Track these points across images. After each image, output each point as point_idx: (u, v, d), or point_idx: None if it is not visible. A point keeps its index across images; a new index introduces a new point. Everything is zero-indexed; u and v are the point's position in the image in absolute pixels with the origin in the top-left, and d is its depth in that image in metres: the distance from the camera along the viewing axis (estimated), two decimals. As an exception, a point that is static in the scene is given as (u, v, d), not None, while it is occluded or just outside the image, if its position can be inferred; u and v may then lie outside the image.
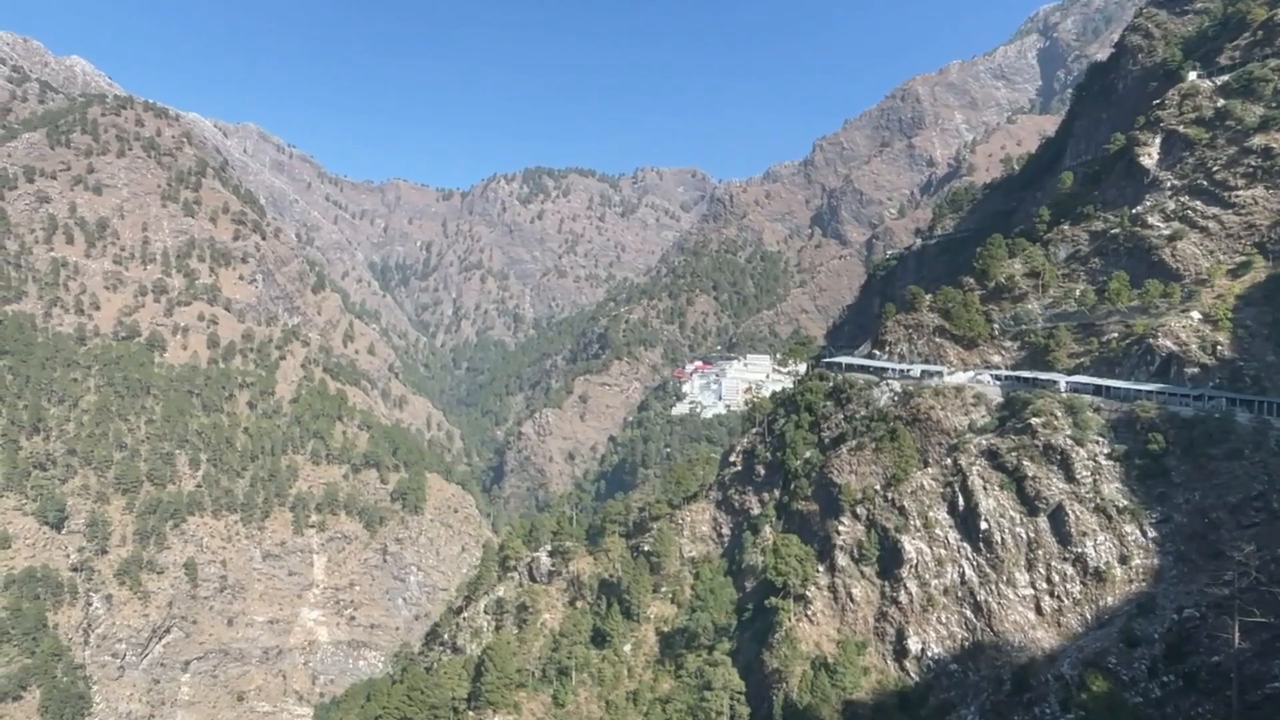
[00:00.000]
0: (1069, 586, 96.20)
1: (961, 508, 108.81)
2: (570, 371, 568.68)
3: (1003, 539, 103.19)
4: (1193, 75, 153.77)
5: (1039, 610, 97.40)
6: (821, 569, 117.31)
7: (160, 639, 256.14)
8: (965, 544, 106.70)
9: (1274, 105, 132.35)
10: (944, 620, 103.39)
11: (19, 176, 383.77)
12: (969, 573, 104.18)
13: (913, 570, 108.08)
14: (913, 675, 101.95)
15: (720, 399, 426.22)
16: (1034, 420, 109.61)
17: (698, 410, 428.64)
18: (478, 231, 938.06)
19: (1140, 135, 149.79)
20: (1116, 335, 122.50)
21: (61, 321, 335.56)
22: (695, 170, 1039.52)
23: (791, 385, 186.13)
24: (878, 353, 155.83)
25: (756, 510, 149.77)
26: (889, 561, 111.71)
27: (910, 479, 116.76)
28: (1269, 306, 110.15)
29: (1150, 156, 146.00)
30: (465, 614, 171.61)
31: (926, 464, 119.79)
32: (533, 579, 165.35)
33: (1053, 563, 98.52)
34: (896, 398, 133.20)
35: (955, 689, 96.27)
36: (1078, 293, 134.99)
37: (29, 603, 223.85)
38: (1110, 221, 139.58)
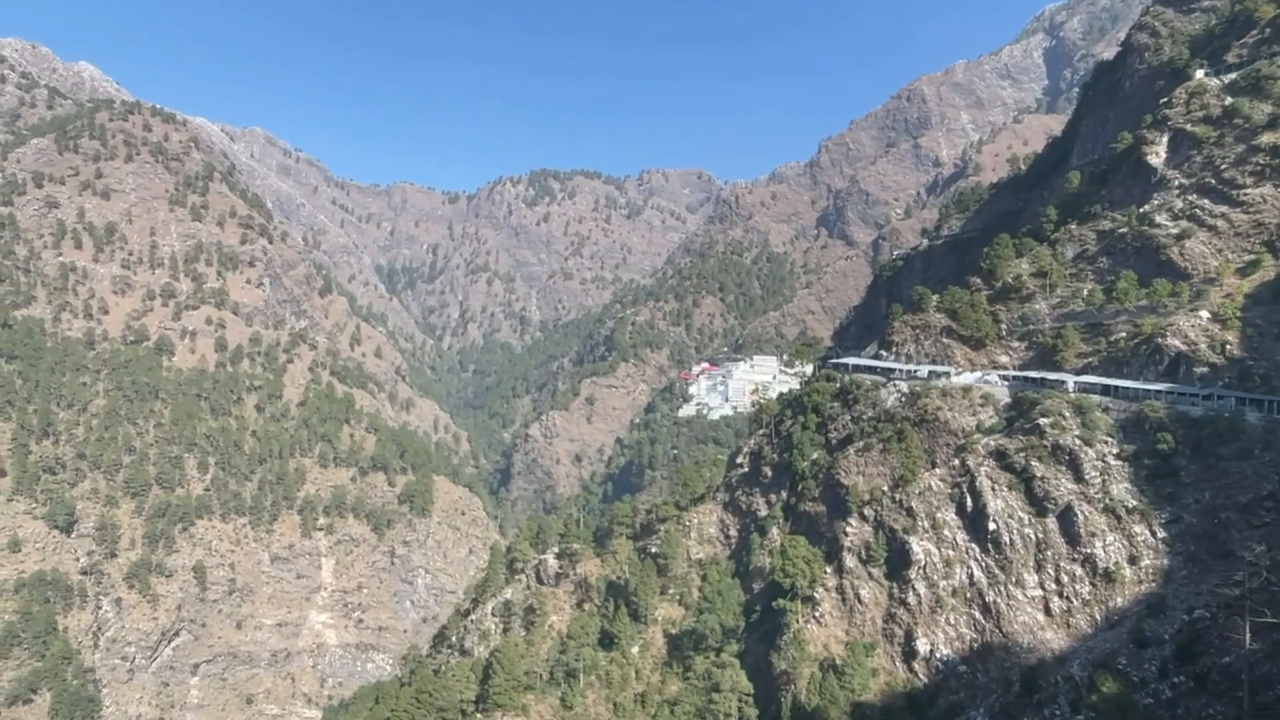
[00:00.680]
0: (1078, 587, 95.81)
1: (970, 508, 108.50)
2: (577, 374, 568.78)
3: (1011, 540, 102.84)
4: (1200, 73, 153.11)
5: (1048, 611, 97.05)
6: (829, 570, 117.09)
7: (169, 642, 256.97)
8: (974, 545, 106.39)
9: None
10: (953, 621, 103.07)
11: (28, 182, 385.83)
12: (977, 574, 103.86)
13: (921, 571, 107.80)
14: (921, 677, 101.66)
15: (727, 400, 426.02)
16: (1042, 420, 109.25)
17: (704, 412, 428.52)
18: (484, 234, 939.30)
19: (1147, 134, 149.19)
20: (1125, 335, 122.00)
21: (70, 326, 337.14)
22: (701, 172, 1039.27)
23: (798, 386, 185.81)
24: (884, 353, 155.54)
25: (764, 512, 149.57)
26: (897, 563, 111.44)
27: (918, 480, 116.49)
28: (1278, 305, 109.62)
29: (1158, 155, 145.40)
30: (473, 616, 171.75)
31: (934, 465, 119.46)
32: (540, 581, 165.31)
33: (1062, 563, 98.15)
34: (904, 398, 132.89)
35: (964, 690, 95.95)
36: (1085, 292, 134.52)
37: (39, 606, 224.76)
38: (1118, 221, 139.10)
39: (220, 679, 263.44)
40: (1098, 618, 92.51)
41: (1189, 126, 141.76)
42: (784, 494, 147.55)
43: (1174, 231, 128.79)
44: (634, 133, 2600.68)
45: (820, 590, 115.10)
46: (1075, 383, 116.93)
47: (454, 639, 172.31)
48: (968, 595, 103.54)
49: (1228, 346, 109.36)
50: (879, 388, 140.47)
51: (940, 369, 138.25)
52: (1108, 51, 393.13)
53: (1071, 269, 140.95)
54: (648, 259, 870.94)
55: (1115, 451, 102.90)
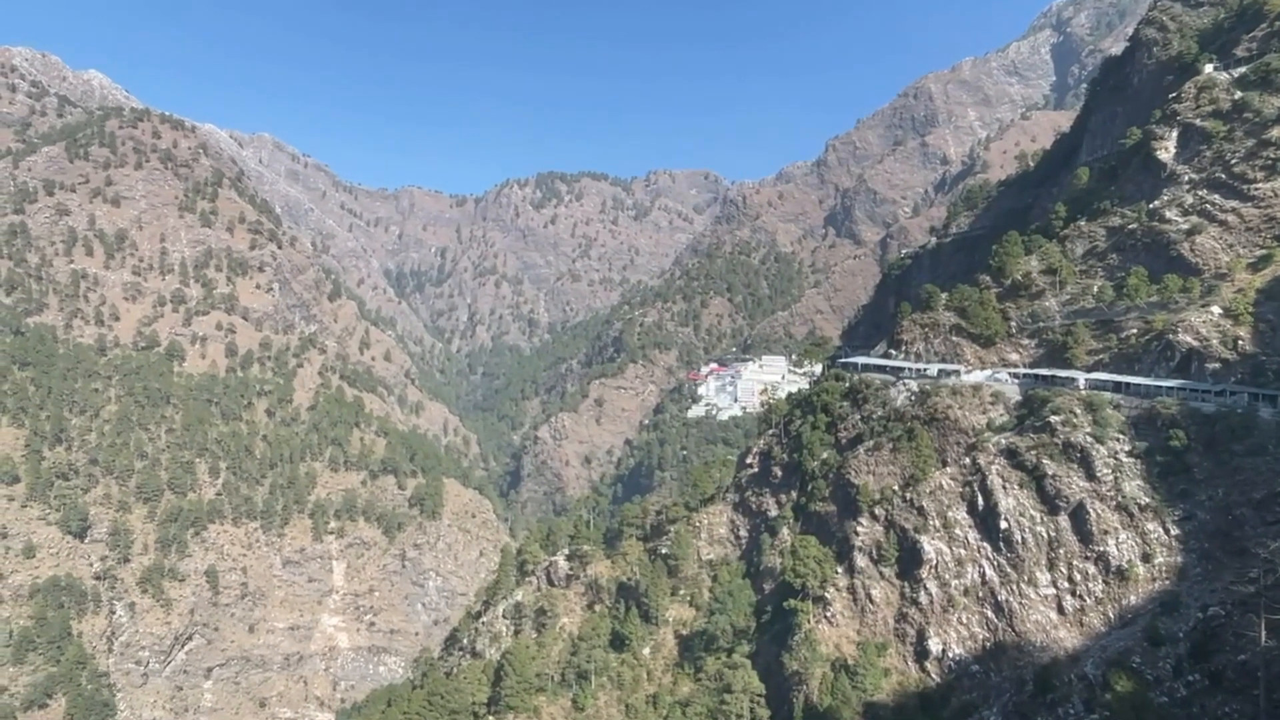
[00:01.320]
0: (1091, 585, 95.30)
1: (981, 507, 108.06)
2: (585, 375, 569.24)
3: (1023, 538, 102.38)
4: (1209, 68, 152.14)
5: (1061, 610, 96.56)
6: (840, 570, 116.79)
7: (183, 646, 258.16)
8: (985, 544, 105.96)
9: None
10: (965, 621, 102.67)
11: (39, 190, 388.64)
12: (989, 572, 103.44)
13: (932, 571, 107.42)
14: (934, 676, 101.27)
15: (736, 401, 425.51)
16: (1053, 418, 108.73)
17: (713, 412, 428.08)
18: (491, 237, 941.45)
19: (1157, 129, 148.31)
20: (1135, 331, 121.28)
21: (82, 333, 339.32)
22: (708, 172, 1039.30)
23: (807, 386, 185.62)
24: (894, 352, 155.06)
25: (774, 512, 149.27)
26: (908, 562, 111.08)
27: (929, 479, 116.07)
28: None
29: (1167, 150, 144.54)
30: (484, 619, 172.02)
31: (945, 464, 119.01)
32: (551, 583, 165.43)
33: (1074, 562, 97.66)
34: (913, 397, 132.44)
35: (977, 690, 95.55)
36: (1095, 289, 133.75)
37: (54, 611, 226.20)
38: (1128, 217, 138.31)
39: (233, 682, 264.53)
40: (1111, 616, 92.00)
41: (1198, 121, 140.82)
42: (794, 494, 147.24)
43: (1184, 227, 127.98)
44: (640, 134, 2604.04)
45: (831, 590, 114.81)
46: (1086, 380, 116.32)
47: (465, 641, 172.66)
48: (980, 594, 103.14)
49: (1240, 342, 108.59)
50: (888, 387, 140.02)
51: (950, 367, 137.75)
52: (1116, 47, 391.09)
53: (1081, 266, 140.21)
54: (655, 260, 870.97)
55: (1127, 449, 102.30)
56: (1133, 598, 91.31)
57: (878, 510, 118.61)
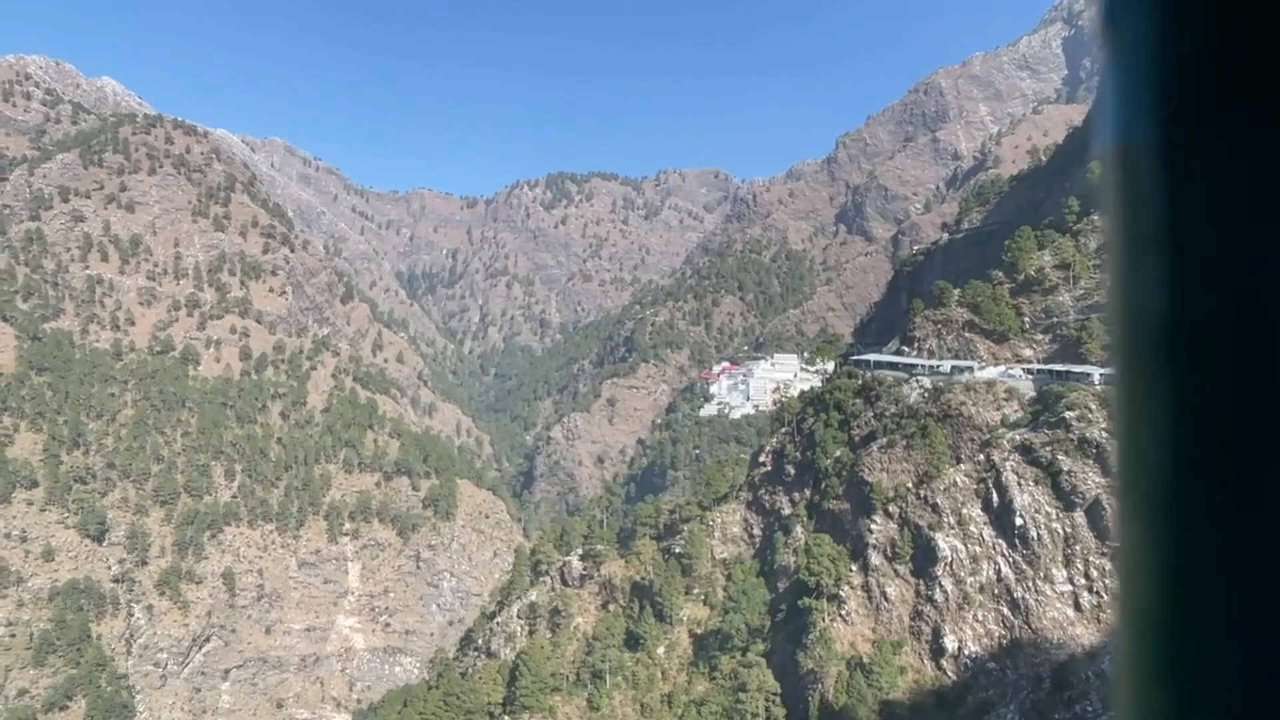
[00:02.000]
0: (1108, 582, 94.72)
1: (996, 504, 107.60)
2: (597, 375, 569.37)
3: (1039, 535, 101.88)
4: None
5: (1078, 606, 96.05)
6: (854, 568, 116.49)
7: (200, 648, 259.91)
8: (1000, 540, 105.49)
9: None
10: (981, 618, 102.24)
11: (54, 197, 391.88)
12: (1005, 569, 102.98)
13: (948, 568, 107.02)
14: (950, 674, 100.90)
15: (748, 399, 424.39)
16: (1068, 414, 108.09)
17: (726, 411, 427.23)
18: (502, 238, 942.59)
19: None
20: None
21: (98, 338, 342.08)
22: (718, 171, 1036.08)
23: (820, 384, 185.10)
24: (906, 349, 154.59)
25: (787, 510, 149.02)
26: (923, 560, 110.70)
27: (943, 476, 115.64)
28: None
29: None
30: (499, 619, 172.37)
31: (959, 460, 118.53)
32: (565, 583, 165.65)
33: (1091, 558, 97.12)
34: (927, 394, 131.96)
35: (994, 687, 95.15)
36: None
37: (73, 614, 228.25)
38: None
39: (251, 684, 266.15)
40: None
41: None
42: (807, 492, 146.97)
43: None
44: (650, 133, 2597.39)
45: (846, 588, 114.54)
46: (1101, 375, 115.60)
47: (480, 641, 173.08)
48: (995, 591, 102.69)
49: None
50: (901, 384, 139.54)
51: (963, 364, 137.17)
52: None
53: (1095, 260, 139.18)
54: (666, 259, 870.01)
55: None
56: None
57: (892, 508, 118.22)
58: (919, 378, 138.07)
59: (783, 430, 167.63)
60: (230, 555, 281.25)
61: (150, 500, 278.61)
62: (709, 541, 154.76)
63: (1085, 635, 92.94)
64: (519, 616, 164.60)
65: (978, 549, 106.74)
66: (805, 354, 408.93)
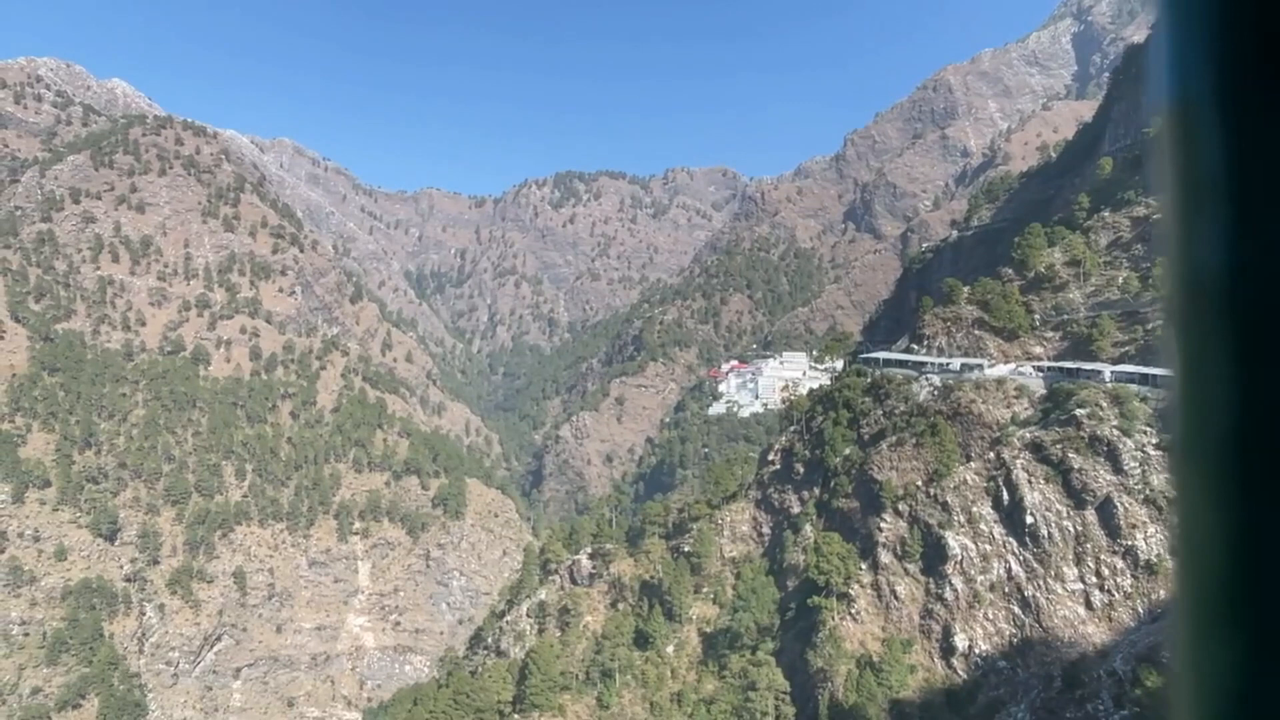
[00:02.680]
0: (1119, 580, 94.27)
1: (1006, 502, 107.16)
2: (606, 374, 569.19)
3: (1049, 533, 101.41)
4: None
5: (1089, 605, 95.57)
6: (864, 567, 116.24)
7: (212, 647, 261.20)
8: (1011, 539, 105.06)
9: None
10: (991, 617, 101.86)
11: (65, 198, 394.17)
12: (1015, 568, 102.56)
13: (958, 566, 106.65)
14: (960, 673, 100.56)
15: (757, 398, 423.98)
16: (1079, 412, 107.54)
17: (734, 409, 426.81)
18: (510, 237, 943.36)
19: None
20: (1162, 322, 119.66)
21: (109, 338, 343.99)
22: (726, 169, 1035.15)
23: (829, 382, 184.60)
24: (915, 347, 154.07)
25: (796, 509, 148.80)
26: (933, 558, 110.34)
27: (953, 474, 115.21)
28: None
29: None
30: (508, 618, 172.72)
31: (969, 458, 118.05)
32: (574, 582, 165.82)
33: (1102, 556, 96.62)
34: (936, 392, 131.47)
35: (1004, 686, 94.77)
36: (1120, 280, 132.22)
37: (86, 613, 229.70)
38: (1152, 207, 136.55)
39: (262, 682, 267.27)
40: (1140, 611, 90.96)
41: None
42: (816, 490, 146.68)
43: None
44: (657, 132, 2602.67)
45: (855, 587, 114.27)
46: (1112, 372, 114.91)
47: (490, 640, 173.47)
48: (1006, 590, 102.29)
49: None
50: (911, 382, 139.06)
51: (973, 361, 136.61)
52: (1138, 35, 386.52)
53: (1105, 257, 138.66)
54: (674, 258, 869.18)
55: (1155, 441, 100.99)
56: (1162, 592, 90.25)
57: (901, 506, 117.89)
58: (928, 375, 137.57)
59: (791, 428, 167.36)
60: (241, 554, 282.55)
61: (161, 500, 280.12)
62: (718, 540, 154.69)
63: (1096, 634, 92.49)
64: (528, 615, 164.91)
65: (988, 547, 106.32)
66: (814, 352, 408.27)
